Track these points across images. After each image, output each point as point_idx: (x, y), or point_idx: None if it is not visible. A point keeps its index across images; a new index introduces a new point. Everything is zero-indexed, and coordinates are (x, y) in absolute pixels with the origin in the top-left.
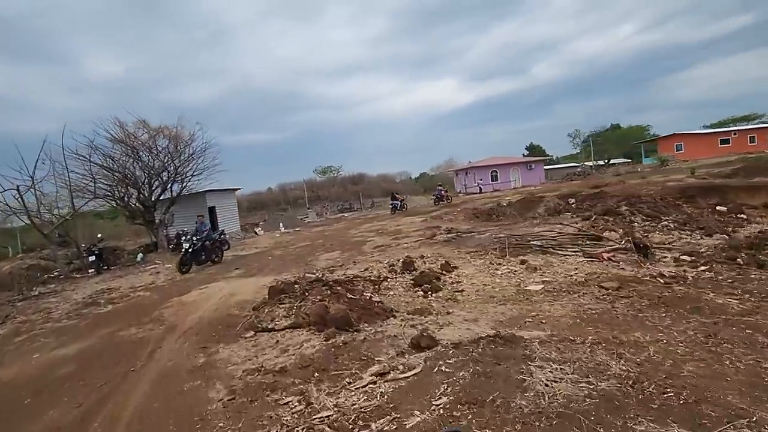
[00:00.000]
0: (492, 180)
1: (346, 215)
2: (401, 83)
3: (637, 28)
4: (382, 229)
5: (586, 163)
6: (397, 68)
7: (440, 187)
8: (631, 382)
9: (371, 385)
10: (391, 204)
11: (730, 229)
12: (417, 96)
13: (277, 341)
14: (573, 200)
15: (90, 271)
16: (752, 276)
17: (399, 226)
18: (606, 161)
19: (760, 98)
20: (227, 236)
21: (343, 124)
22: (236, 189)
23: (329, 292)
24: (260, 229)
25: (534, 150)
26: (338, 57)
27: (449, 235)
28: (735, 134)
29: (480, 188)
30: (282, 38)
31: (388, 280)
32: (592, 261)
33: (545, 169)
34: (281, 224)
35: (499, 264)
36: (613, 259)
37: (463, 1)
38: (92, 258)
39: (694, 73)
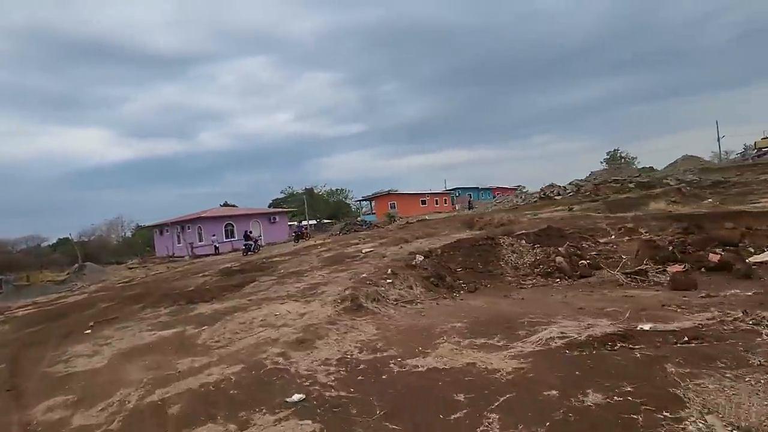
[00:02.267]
0: (228, 237)
1: None
2: (24, 123)
3: (291, 117)
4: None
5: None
6: (23, 103)
7: (300, 224)
8: None
9: None
10: (244, 245)
11: None
12: (50, 143)
13: None
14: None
15: None
16: None
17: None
18: (318, 219)
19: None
20: None
21: None
22: None
23: None
24: None
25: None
26: None
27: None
28: (428, 197)
29: (216, 247)
30: None
31: None
32: None
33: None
34: None
35: None
36: None
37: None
38: None
39: (333, 159)
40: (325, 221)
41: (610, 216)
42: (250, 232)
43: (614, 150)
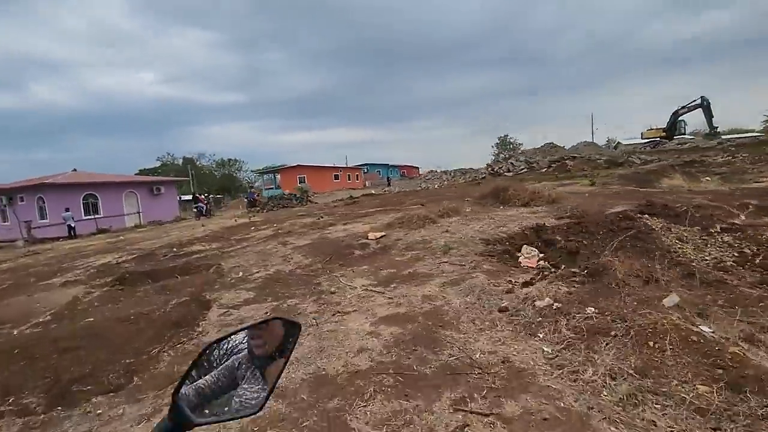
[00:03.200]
0: (89, 213)
1: None
2: None
3: (157, 78)
4: None
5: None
6: None
7: (253, 190)
8: None
9: None
10: (195, 207)
11: None
12: None
13: None
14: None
15: None
16: None
17: None
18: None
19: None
20: None
21: None
22: None
23: None
24: None
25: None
26: None
27: None
28: (341, 171)
29: (71, 227)
30: None
31: None
32: None
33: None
34: None
35: None
36: None
37: None
38: None
39: (208, 130)
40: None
41: (695, 191)
42: (202, 195)
43: (504, 135)
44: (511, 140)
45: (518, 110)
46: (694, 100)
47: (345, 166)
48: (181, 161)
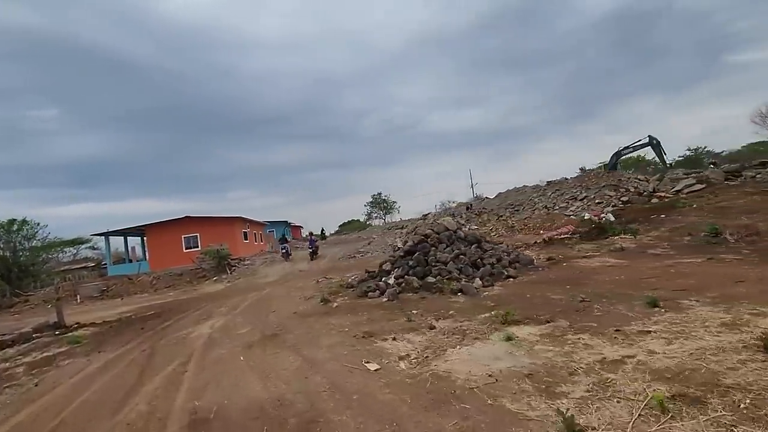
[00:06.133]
0: None
1: None
2: None
3: None
4: None
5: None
6: None
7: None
8: None
9: None
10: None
11: None
12: None
13: None
14: None
15: None
16: None
17: None
18: None
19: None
20: None
21: None
22: None
23: None
24: None
25: None
26: None
27: None
28: (248, 228)
29: None
30: None
31: None
32: None
33: None
34: None
35: None
36: None
37: None
38: None
39: None
40: None
41: None
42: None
43: (378, 193)
44: (384, 197)
45: (333, 180)
46: (639, 140)
47: (252, 219)
48: None
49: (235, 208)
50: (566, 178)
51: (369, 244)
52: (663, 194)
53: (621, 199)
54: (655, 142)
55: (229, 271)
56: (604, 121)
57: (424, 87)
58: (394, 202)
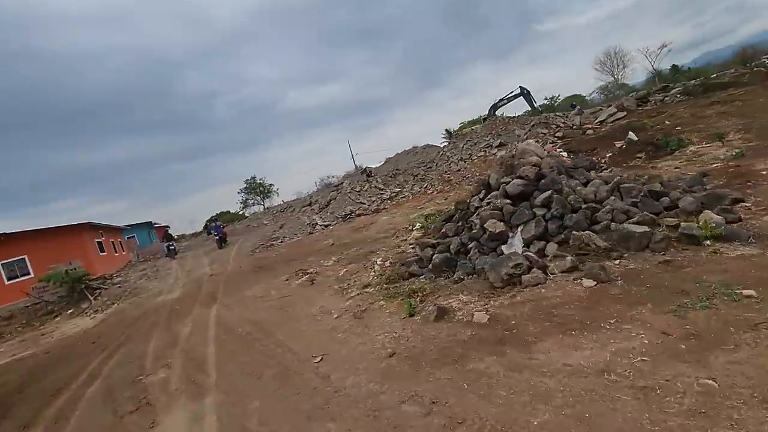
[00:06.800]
0: None
1: None
2: None
3: None
4: None
5: None
6: None
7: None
8: None
9: None
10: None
11: None
12: None
13: None
14: None
15: None
16: None
17: None
18: None
19: None
20: None
21: None
22: None
23: None
24: None
25: None
26: None
27: None
28: (102, 237)
29: None
30: None
31: None
32: None
33: None
34: None
35: None
36: None
37: None
38: None
39: None
40: None
41: None
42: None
43: (252, 177)
44: (260, 181)
45: (192, 172)
46: (512, 91)
47: (105, 224)
48: None
49: (69, 220)
50: (473, 129)
51: (281, 228)
52: (590, 126)
53: (556, 134)
54: (525, 91)
55: (91, 298)
56: (450, 87)
57: (277, 64)
58: (271, 184)
